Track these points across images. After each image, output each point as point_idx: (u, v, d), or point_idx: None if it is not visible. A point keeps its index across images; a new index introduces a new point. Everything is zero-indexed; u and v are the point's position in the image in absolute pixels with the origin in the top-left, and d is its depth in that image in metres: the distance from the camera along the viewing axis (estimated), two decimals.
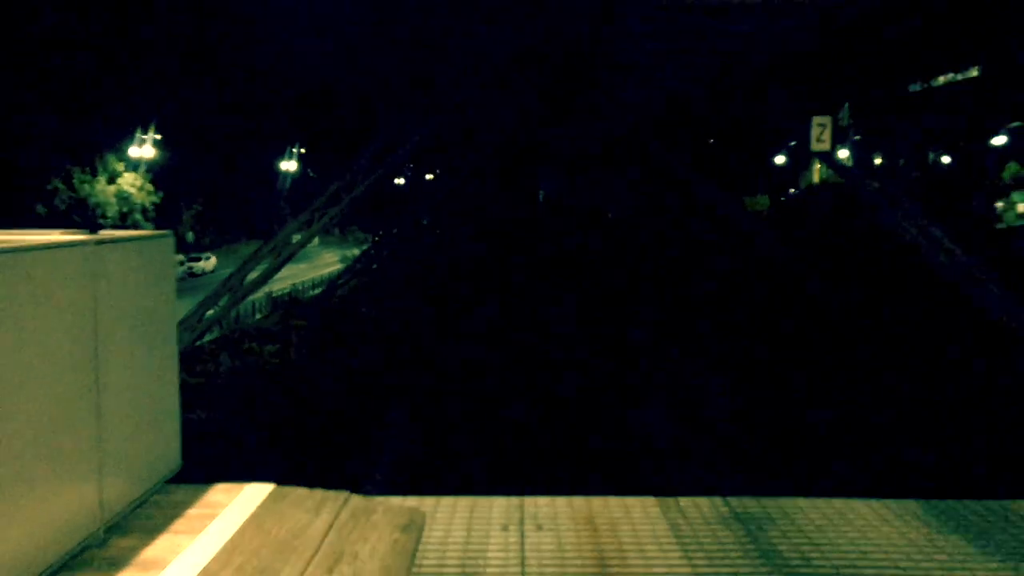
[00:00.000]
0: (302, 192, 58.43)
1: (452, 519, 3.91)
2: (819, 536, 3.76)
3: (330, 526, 2.97)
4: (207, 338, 22.65)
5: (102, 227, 2.91)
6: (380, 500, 3.33)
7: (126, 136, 41.44)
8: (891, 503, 4.11)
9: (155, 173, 43.40)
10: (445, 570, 3.45)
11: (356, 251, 46.81)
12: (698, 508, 4.06)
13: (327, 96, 59.70)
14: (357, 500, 3.22)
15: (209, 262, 47.13)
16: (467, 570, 3.45)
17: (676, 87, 26.38)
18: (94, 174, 39.19)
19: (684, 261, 41.05)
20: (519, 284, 40.24)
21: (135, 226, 39.88)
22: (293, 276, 43.28)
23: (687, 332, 30.95)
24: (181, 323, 20.43)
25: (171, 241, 3.45)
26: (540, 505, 4.05)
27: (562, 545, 3.65)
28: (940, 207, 24.56)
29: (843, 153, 23.34)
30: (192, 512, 3.08)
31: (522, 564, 3.47)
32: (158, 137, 44.66)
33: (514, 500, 4.10)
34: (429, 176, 61.09)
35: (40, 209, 36.31)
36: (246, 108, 54.42)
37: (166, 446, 3.35)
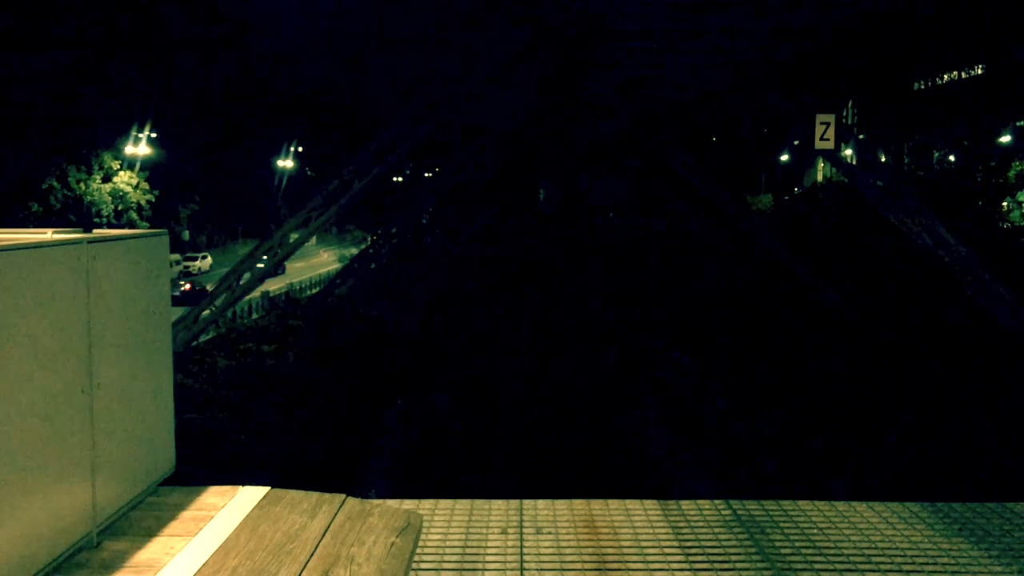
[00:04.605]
0: (299, 191, 58.34)
1: (450, 522, 3.87)
2: (822, 539, 3.73)
3: (326, 529, 2.93)
4: (203, 338, 22.60)
5: (98, 226, 2.88)
6: (377, 503, 3.29)
7: (122, 134, 41.34)
8: (894, 505, 4.08)
9: (151, 171, 43.30)
10: (443, 574, 3.41)
11: (354, 250, 46.72)
12: (700, 511, 4.02)
13: (326, 94, 59.70)
14: (353, 503, 3.18)
15: (205, 261, 47.05)
16: (465, 574, 3.41)
17: (678, 85, 26.35)
18: (89, 172, 39.07)
19: (686, 261, 41.06)
20: (519, 284, 40.21)
21: (130, 224, 39.78)
22: (290, 275, 43.25)
23: (689, 332, 30.94)
24: (177, 323, 20.37)
25: (165, 240, 3.41)
26: (539, 508, 4.01)
27: (562, 548, 3.61)
28: (944, 205, 24.59)
29: (847, 152, 23.40)
30: (186, 515, 3.04)
31: (521, 568, 3.43)
32: (154, 135, 44.57)
33: (513, 503, 4.06)
34: (428, 175, 61.06)
35: (35, 207, 36.22)
36: (243, 105, 54.36)
37: (160, 448, 3.31)
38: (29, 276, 2.48)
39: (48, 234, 2.79)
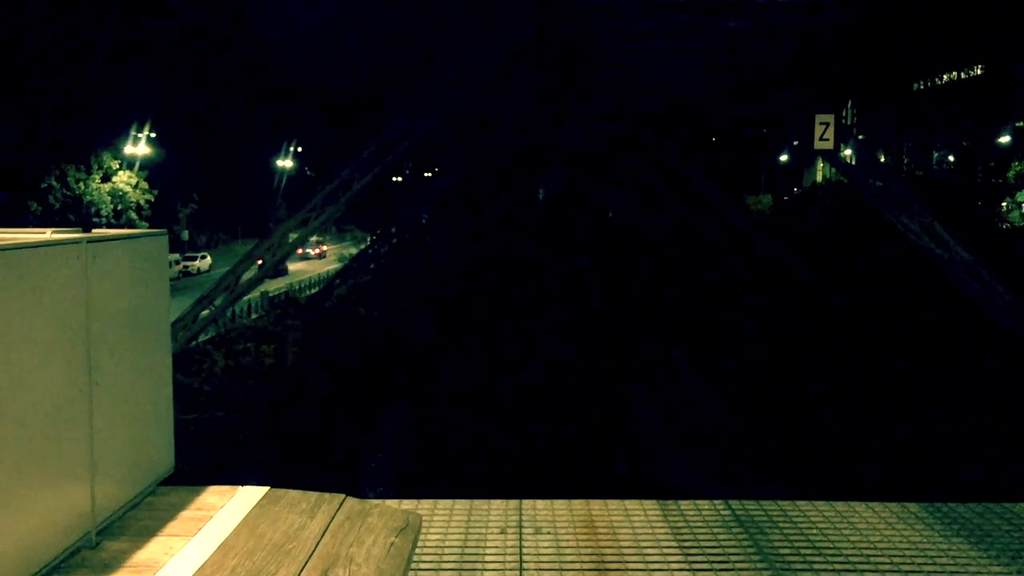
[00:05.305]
0: (299, 190, 58.31)
1: (449, 522, 3.87)
2: (821, 539, 3.72)
3: (325, 529, 2.93)
4: (202, 338, 22.57)
5: (97, 226, 2.89)
6: (376, 503, 3.29)
7: (121, 133, 41.27)
8: (893, 506, 4.07)
9: (150, 171, 43.24)
10: (442, 574, 3.41)
11: (354, 250, 46.76)
12: (699, 511, 4.02)
13: (327, 94, 59.71)
14: (352, 503, 3.18)
15: (204, 261, 47.04)
16: (464, 574, 3.40)
17: (678, 86, 26.37)
18: (89, 172, 39.02)
19: (685, 261, 41.03)
20: (518, 283, 40.19)
21: (130, 224, 39.71)
22: (291, 275, 43.23)
23: (687, 332, 30.93)
24: (176, 323, 20.35)
25: (165, 240, 3.41)
26: (539, 508, 4.01)
27: (561, 549, 3.60)
28: (943, 206, 24.60)
29: (846, 152, 23.42)
30: (186, 514, 3.04)
31: (520, 568, 3.43)
32: (153, 135, 44.51)
33: (512, 503, 4.05)
34: (428, 174, 61.10)
35: (34, 207, 36.18)
36: (243, 105, 54.34)
37: (159, 447, 3.31)
38: (28, 276, 2.48)
39: (47, 234, 2.79)
